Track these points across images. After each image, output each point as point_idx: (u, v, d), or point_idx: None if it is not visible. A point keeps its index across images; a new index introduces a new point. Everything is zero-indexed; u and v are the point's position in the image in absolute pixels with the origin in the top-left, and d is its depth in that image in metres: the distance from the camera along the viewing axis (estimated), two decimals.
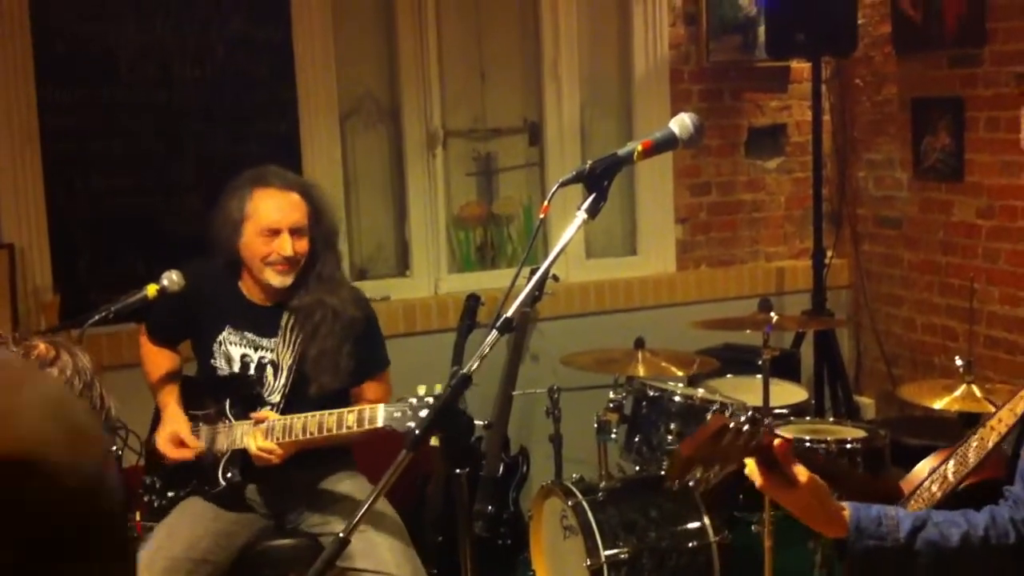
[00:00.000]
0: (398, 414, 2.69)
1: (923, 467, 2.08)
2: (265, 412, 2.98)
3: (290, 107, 4.43)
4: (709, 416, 1.65)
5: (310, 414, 2.89)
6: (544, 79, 4.83)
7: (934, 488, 1.95)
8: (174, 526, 3.00)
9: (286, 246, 3.01)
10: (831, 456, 3.34)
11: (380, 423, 2.74)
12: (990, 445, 1.91)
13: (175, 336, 3.28)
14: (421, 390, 2.70)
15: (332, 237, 3.17)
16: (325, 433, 2.86)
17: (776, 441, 1.73)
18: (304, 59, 4.43)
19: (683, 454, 1.78)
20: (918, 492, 1.99)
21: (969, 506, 1.83)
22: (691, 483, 1.72)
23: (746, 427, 1.73)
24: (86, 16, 4.16)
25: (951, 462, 1.96)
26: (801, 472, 1.75)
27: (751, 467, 1.77)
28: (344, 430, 2.80)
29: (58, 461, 0.73)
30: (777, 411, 3.74)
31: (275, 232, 3.02)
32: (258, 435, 2.92)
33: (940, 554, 1.72)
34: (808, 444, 3.41)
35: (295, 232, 3.04)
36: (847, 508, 1.77)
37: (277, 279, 3.05)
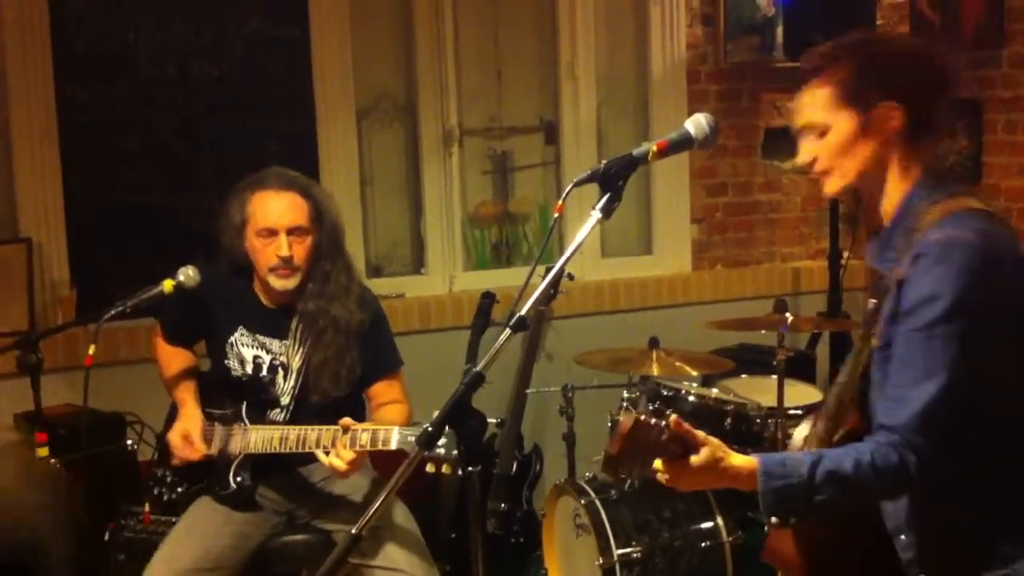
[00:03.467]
0: (412, 438, 2.67)
1: (797, 436, 2.26)
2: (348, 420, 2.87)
3: (307, 105, 4.44)
4: (620, 416, 1.83)
5: (324, 428, 2.85)
6: (561, 78, 4.83)
7: (813, 448, 2.10)
8: (187, 531, 3.00)
9: (283, 247, 2.97)
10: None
11: (393, 446, 2.71)
12: (846, 399, 2.11)
13: (189, 337, 3.27)
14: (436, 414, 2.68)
15: (337, 238, 3.11)
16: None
17: (672, 419, 1.87)
18: (321, 57, 4.44)
19: (612, 455, 1.88)
20: None
21: None
22: (626, 478, 1.85)
23: (653, 420, 1.86)
24: (105, 12, 4.18)
25: (820, 423, 2.16)
26: (701, 436, 1.90)
27: (659, 466, 1.91)
28: (357, 448, 2.78)
29: None
30: (792, 411, 3.73)
31: (272, 233, 2.99)
32: (334, 458, 2.81)
33: (839, 482, 1.88)
34: None
35: (293, 232, 3.00)
36: (754, 458, 1.92)
37: (279, 283, 3.02)
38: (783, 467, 1.90)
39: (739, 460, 1.92)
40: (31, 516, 0.75)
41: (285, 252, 2.98)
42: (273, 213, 3.00)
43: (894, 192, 2.03)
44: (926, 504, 1.99)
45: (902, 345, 1.93)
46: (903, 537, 2.04)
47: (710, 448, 1.89)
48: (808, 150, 2.07)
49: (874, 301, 2.08)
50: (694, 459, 1.88)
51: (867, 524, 2.08)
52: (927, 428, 1.87)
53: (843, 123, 2.02)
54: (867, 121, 2.00)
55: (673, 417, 1.87)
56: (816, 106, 2.05)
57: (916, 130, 2.02)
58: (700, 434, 1.90)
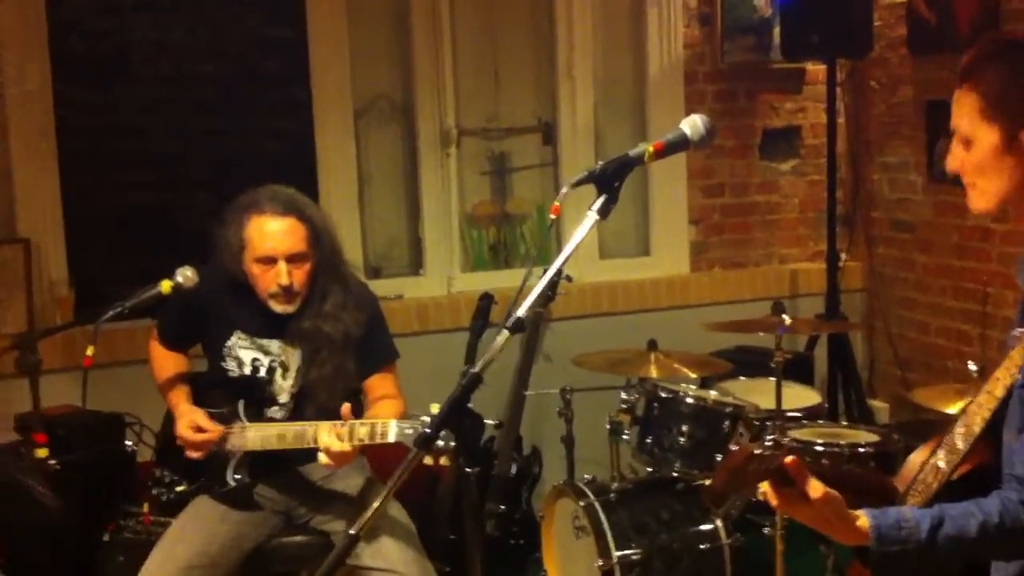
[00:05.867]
0: (410, 431, 2.66)
1: (913, 461, 2.10)
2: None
3: (304, 105, 4.45)
4: (732, 446, 1.63)
5: (321, 423, 2.86)
6: (558, 79, 4.84)
7: (929, 479, 1.97)
8: (184, 529, 3.00)
9: (283, 275, 2.96)
10: (834, 459, 3.36)
11: (391, 439, 2.71)
12: (977, 430, 1.92)
13: (186, 340, 3.27)
14: (434, 408, 2.68)
15: (335, 256, 3.10)
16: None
17: (787, 459, 1.74)
18: (319, 57, 4.45)
19: (715, 488, 1.79)
20: (913, 487, 2.00)
21: (964, 493, 1.86)
22: (727, 510, 1.71)
23: (770, 452, 1.74)
24: (102, 13, 4.19)
25: (941, 452, 1.98)
26: (816, 488, 1.75)
27: (765, 488, 1.79)
28: (356, 442, 2.78)
29: None
30: (790, 414, 3.73)
31: (271, 261, 2.97)
32: (333, 438, 2.80)
33: (961, 546, 1.76)
34: (818, 448, 3.42)
35: (292, 259, 2.98)
36: (864, 516, 1.79)
37: (279, 307, 3.03)
38: (898, 531, 1.76)
39: (851, 514, 1.78)
40: None
41: (285, 281, 2.98)
42: (271, 240, 2.97)
43: None
44: None
45: None
46: None
47: (828, 495, 1.75)
48: (955, 157, 1.92)
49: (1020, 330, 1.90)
50: (813, 490, 1.73)
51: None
52: None
53: (985, 138, 1.85)
54: (1011, 139, 1.83)
55: (791, 458, 1.73)
56: (962, 113, 1.88)
57: None
58: (816, 482, 1.75)
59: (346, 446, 2.76)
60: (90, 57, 4.19)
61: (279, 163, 4.40)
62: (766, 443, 1.74)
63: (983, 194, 1.90)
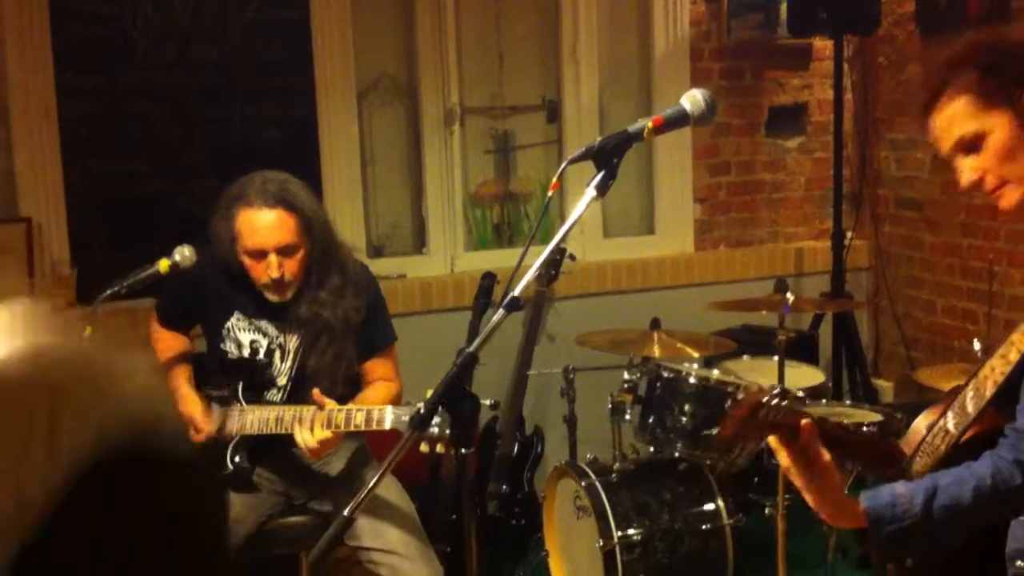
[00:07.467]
0: (405, 418, 2.66)
1: (919, 424, 2.11)
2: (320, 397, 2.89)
3: (307, 87, 4.41)
4: (740, 396, 1.63)
5: (318, 410, 2.85)
6: (563, 57, 4.80)
7: (937, 442, 1.97)
8: None
9: (273, 268, 2.93)
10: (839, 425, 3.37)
11: (387, 425, 2.71)
12: (987, 394, 1.93)
13: (185, 321, 3.26)
14: (430, 394, 2.67)
15: (329, 241, 3.05)
16: (333, 429, 2.84)
17: (804, 421, 1.74)
18: (322, 38, 4.41)
19: (724, 435, 1.79)
20: (921, 449, 2.01)
21: (972, 457, 1.87)
22: (734, 461, 1.71)
23: (777, 401, 1.73)
24: None
25: (950, 415, 1.98)
26: (824, 455, 1.76)
27: (774, 443, 1.78)
28: (352, 427, 2.77)
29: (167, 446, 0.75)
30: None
31: (262, 254, 2.94)
32: (317, 429, 2.83)
33: (957, 514, 1.77)
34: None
35: (283, 251, 2.94)
36: (860, 500, 1.79)
37: (274, 297, 3.01)
38: (893, 508, 1.77)
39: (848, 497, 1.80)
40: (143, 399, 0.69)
41: (275, 273, 2.94)
42: (260, 234, 2.93)
43: None
44: None
45: None
46: (1019, 563, 1.90)
47: (833, 467, 1.76)
48: (970, 168, 1.89)
49: None
50: (825, 454, 1.74)
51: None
52: None
53: (998, 124, 1.85)
54: (1018, 112, 1.84)
55: (806, 421, 1.74)
56: (959, 119, 1.87)
57: None
58: (824, 451, 1.76)
59: (327, 433, 2.76)
60: (92, 40, 4.15)
61: (282, 144, 4.37)
62: (774, 393, 1.73)
63: (1021, 180, 1.87)
